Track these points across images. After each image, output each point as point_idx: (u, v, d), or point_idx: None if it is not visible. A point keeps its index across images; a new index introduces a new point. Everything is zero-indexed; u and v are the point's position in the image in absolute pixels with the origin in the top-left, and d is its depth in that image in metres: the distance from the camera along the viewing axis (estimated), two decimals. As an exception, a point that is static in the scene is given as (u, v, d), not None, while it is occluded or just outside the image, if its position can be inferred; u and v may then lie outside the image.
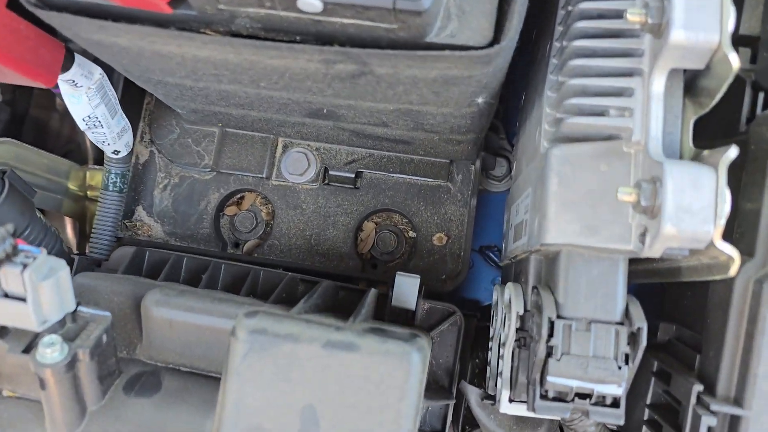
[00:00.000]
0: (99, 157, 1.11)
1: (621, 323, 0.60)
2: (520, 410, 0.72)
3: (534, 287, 0.64)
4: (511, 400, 0.73)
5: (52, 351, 0.58)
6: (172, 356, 0.69)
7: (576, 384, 0.59)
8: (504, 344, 0.75)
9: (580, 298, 0.61)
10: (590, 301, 0.61)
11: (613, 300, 0.60)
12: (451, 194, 1.02)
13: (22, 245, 0.58)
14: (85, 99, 0.86)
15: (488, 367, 0.84)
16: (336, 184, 1.04)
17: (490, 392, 0.79)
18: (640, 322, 0.59)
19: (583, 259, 0.61)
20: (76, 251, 1.12)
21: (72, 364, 0.59)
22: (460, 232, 1.01)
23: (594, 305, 0.60)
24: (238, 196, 1.08)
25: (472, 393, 0.81)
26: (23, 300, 0.58)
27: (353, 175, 1.03)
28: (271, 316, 0.57)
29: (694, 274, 0.62)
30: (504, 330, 0.76)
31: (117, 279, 0.76)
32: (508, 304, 0.75)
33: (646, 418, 0.69)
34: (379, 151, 1.02)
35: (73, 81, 0.83)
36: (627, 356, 0.59)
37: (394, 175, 1.03)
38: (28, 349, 0.59)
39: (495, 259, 1.17)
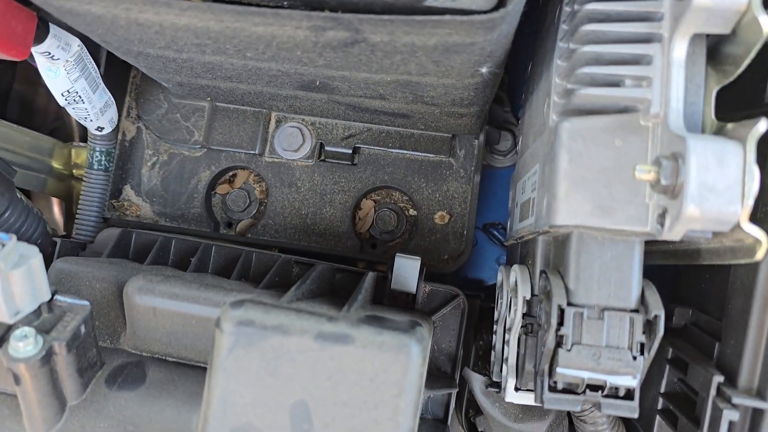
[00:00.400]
0: (85, 134, 1.07)
1: (636, 311, 0.56)
2: (527, 399, 0.69)
3: (542, 272, 0.60)
4: (517, 389, 0.69)
5: (25, 344, 0.54)
6: (158, 346, 0.65)
7: (587, 375, 0.55)
8: (510, 330, 0.71)
9: (593, 284, 0.56)
10: (603, 287, 0.56)
11: (628, 286, 0.56)
12: (453, 170, 0.97)
13: (-12, 232, 0.54)
14: (63, 72, 0.81)
15: (493, 352, 0.80)
16: (332, 160, 0.99)
17: (495, 379, 0.75)
18: (657, 309, 0.54)
19: (595, 242, 0.57)
20: (63, 233, 1.08)
21: (48, 357, 0.55)
22: (463, 210, 0.97)
23: (607, 291, 0.56)
24: (230, 173, 1.03)
25: (476, 380, 0.77)
26: (-8, 290, 0.55)
27: (350, 151, 0.98)
28: (258, 306, 0.53)
29: (715, 257, 0.57)
30: (510, 315, 0.72)
31: (100, 264, 0.72)
32: (514, 287, 0.70)
33: (659, 407, 0.65)
34: (377, 126, 0.97)
35: (49, 53, 0.78)
36: (642, 346, 0.55)
37: (394, 150, 0.98)
38: (0, 343, 0.55)
39: (500, 237, 1.12)
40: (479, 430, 0.86)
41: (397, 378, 0.50)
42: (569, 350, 0.55)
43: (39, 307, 0.57)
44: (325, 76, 0.71)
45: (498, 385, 0.74)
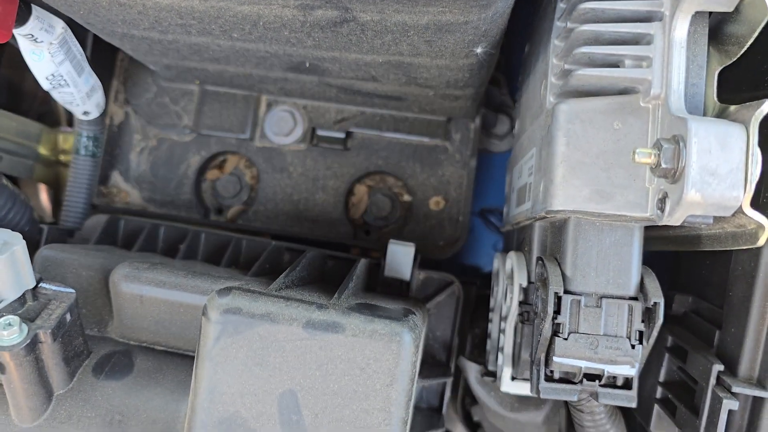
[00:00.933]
0: (73, 120, 1.04)
1: (635, 298, 0.54)
2: (523, 389, 0.68)
3: (539, 258, 0.58)
4: (513, 378, 0.68)
5: (9, 333, 0.52)
6: (145, 334, 0.64)
7: (585, 365, 0.54)
8: (506, 318, 0.69)
9: (590, 271, 0.55)
10: (601, 275, 0.55)
11: (627, 273, 0.54)
12: (448, 154, 0.95)
13: (-33, 219, 0.52)
14: (48, 56, 0.78)
15: (489, 341, 0.79)
16: (325, 144, 0.97)
17: (491, 368, 0.74)
18: (657, 297, 0.53)
19: (593, 228, 0.55)
20: (51, 219, 1.06)
21: (33, 345, 0.54)
22: (458, 195, 0.95)
23: (605, 279, 0.55)
24: (221, 158, 1.01)
25: (471, 370, 0.76)
26: (-28, 279, 0.53)
27: (343, 135, 0.96)
28: (246, 293, 0.51)
29: (716, 243, 0.56)
30: (506, 303, 0.70)
31: (86, 251, 0.71)
32: (511, 275, 0.69)
33: (658, 396, 0.64)
34: (371, 109, 0.95)
35: (32, 36, 0.76)
36: (641, 334, 0.54)
37: (388, 134, 0.96)
38: (-18, 332, 0.54)
39: (497, 223, 1.11)
40: (474, 419, 0.85)
41: (388, 367, 0.49)
42: (566, 339, 0.54)
43: (23, 294, 0.56)
44: (314, 57, 0.69)
45: (494, 375, 0.73)
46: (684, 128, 0.47)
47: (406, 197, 0.97)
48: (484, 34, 0.58)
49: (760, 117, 0.46)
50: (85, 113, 0.91)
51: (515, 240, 0.77)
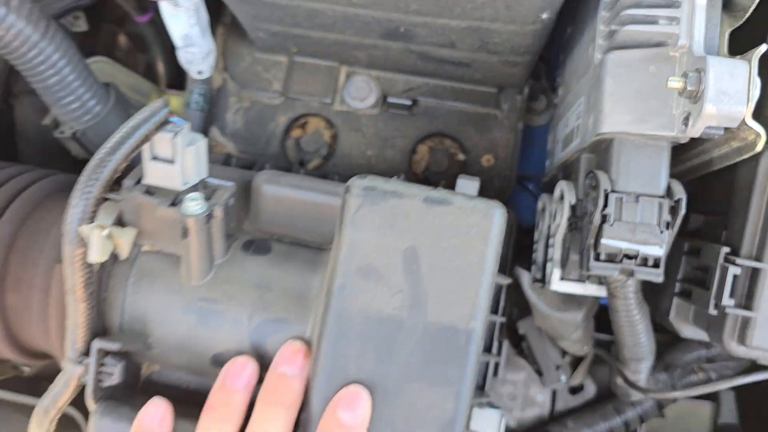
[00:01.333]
0: (171, 83, 1.23)
1: (663, 197, 0.72)
2: (570, 288, 0.85)
3: (589, 172, 0.76)
4: (562, 278, 0.85)
5: (195, 204, 0.70)
6: (277, 228, 0.81)
7: (625, 246, 0.72)
8: (554, 235, 0.87)
9: (630, 177, 0.73)
10: (639, 179, 0.73)
11: (658, 178, 0.73)
12: (498, 121, 1.14)
13: (171, 117, 0.70)
14: (185, 18, 0.97)
15: (533, 266, 0.97)
16: (394, 110, 1.16)
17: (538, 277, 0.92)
18: (680, 194, 0.71)
19: (633, 145, 0.73)
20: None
21: (208, 218, 0.71)
22: (506, 155, 1.13)
23: (642, 182, 0.73)
24: (303, 120, 1.19)
25: (524, 276, 0.94)
26: (171, 162, 0.71)
27: (410, 103, 1.15)
28: (378, 177, 0.69)
29: (725, 160, 0.74)
30: (554, 222, 0.88)
31: (222, 167, 0.88)
32: (560, 198, 0.87)
33: (677, 291, 0.81)
34: (434, 80, 1.14)
35: (176, 1, 0.95)
36: (668, 223, 0.71)
37: (447, 102, 1.14)
38: (174, 204, 0.71)
39: (532, 190, 1.29)
40: (520, 332, 1.02)
41: (484, 232, 0.66)
42: (611, 225, 0.71)
43: (199, 182, 0.74)
44: (410, 23, 0.88)
45: (542, 281, 0.90)
46: (704, 63, 0.65)
47: (461, 156, 1.16)
48: (551, 2, 0.77)
49: (759, 55, 0.65)
50: (200, 72, 1.09)
51: (560, 178, 0.96)
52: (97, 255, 0.65)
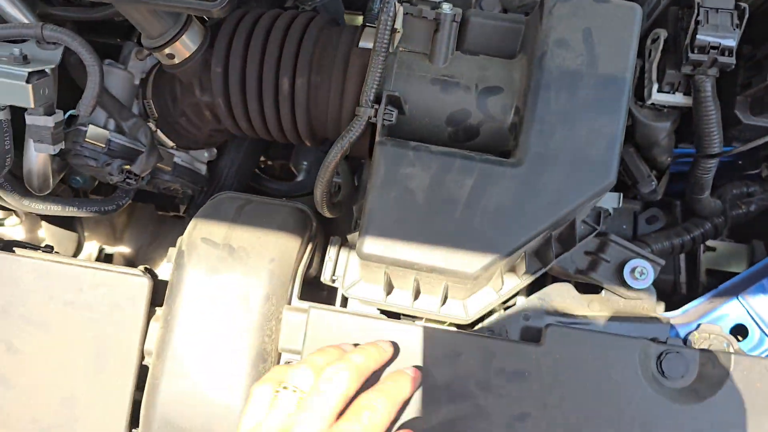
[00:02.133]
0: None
1: (733, 10, 1.14)
2: (664, 97, 1.25)
3: (679, 9, 1.18)
4: (659, 90, 1.25)
5: (447, 6, 1.10)
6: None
7: (711, 39, 1.12)
8: (653, 61, 1.27)
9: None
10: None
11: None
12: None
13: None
14: None
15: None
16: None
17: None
18: (745, 4, 1.13)
19: (711, -20, 1.16)
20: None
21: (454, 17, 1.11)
22: None
23: (719, 1, 1.14)
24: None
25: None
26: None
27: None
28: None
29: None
30: (649, 58, 1.29)
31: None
32: (653, 40, 1.28)
33: (740, 82, 1.22)
34: None
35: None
36: (737, 24, 1.13)
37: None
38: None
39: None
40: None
41: (632, 20, 1.07)
42: (702, 26, 1.13)
43: None
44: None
45: (642, 98, 1.30)
46: None
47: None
48: None
49: None
50: None
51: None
52: (399, 23, 1.05)
